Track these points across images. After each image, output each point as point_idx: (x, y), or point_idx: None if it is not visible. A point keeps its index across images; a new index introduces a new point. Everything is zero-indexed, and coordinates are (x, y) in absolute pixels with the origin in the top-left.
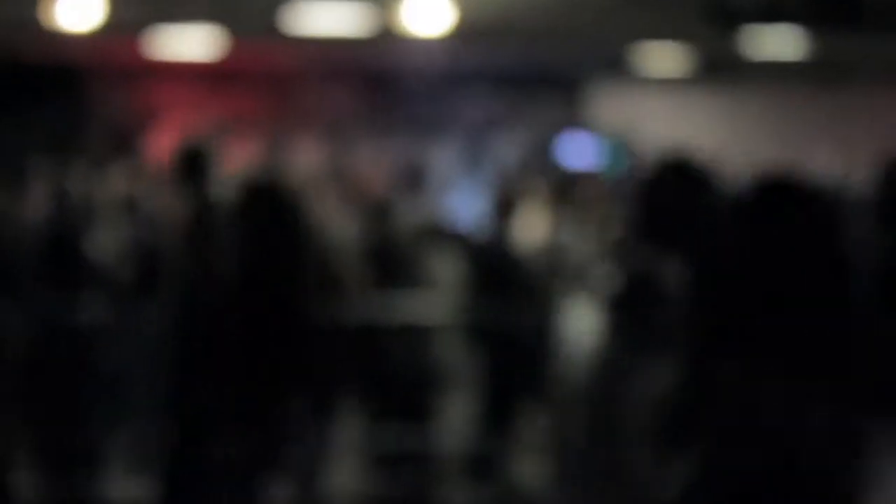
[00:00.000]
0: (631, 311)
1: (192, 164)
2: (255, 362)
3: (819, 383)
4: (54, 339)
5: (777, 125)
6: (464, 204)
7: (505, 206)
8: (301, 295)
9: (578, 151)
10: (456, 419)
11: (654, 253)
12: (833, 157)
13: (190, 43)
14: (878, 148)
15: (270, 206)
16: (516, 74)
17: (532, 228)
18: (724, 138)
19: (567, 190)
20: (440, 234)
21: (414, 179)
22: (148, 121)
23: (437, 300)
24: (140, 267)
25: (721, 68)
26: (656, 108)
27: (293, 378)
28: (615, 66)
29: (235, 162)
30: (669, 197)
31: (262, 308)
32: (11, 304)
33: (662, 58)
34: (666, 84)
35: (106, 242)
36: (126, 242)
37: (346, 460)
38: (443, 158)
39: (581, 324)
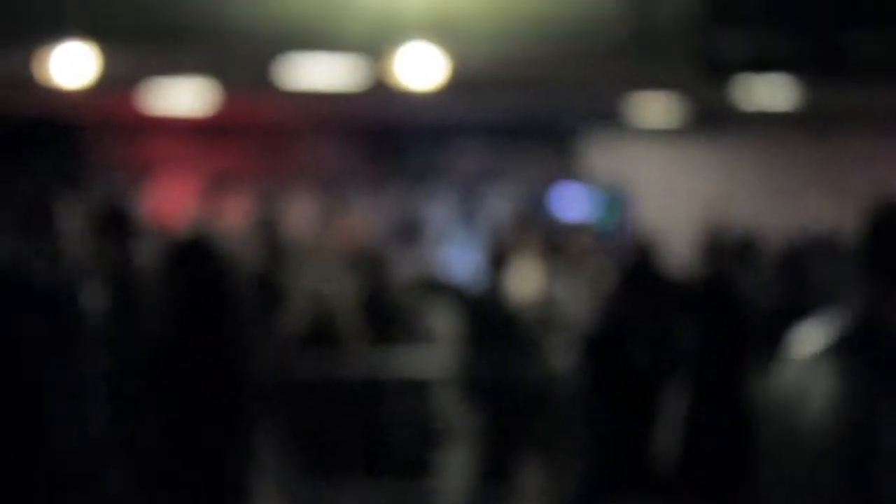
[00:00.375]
0: (863, 354)
1: (113, 224)
2: (187, 416)
3: None
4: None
5: (769, 175)
6: (458, 257)
7: (499, 259)
8: (232, 350)
9: (571, 203)
10: (455, 473)
11: (885, 293)
12: (824, 206)
13: (183, 97)
14: (869, 196)
15: (197, 264)
16: (509, 126)
17: (526, 281)
18: (716, 188)
19: (560, 242)
20: (435, 288)
21: (408, 233)
22: (142, 175)
23: (433, 354)
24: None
25: (713, 119)
26: (649, 159)
27: (228, 433)
28: (607, 118)
29: (231, 216)
30: None
31: (192, 365)
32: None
33: (654, 109)
34: (658, 135)
35: (99, 297)
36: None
37: None
38: (437, 211)
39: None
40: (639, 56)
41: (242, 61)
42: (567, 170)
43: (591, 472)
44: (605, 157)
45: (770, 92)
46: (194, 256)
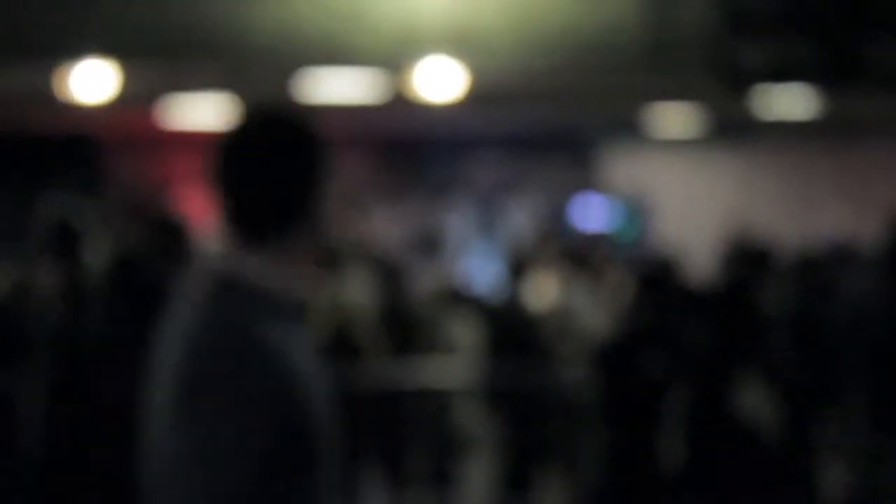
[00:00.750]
0: None
1: (64, 239)
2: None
3: None
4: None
5: (789, 184)
6: (478, 268)
7: (518, 270)
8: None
9: (591, 214)
10: (475, 482)
11: None
12: (844, 214)
13: (203, 112)
14: (889, 204)
15: (140, 278)
16: (528, 138)
17: (545, 292)
18: (736, 198)
19: (580, 253)
20: (455, 298)
21: (428, 244)
22: (163, 190)
23: (453, 364)
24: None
25: (732, 129)
26: (668, 169)
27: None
28: (627, 129)
29: None
30: None
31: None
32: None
33: (674, 119)
34: (678, 145)
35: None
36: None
37: None
38: (457, 223)
39: None
40: (658, 67)
41: (262, 75)
42: (587, 181)
43: (607, 481)
44: (625, 168)
45: (789, 101)
46: (141, 269)
